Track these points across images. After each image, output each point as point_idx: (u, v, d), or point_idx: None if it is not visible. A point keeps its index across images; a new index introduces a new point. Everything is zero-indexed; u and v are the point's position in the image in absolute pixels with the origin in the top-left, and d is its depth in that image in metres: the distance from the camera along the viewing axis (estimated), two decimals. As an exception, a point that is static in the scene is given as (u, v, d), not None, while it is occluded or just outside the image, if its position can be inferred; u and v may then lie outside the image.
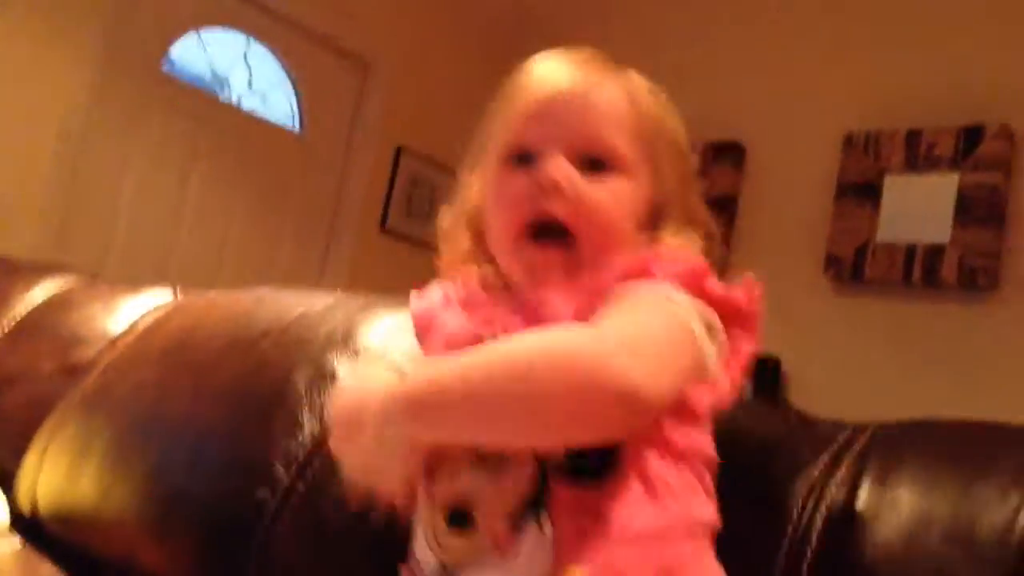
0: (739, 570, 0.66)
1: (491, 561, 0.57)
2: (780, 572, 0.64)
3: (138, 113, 2.95)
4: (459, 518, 0.59)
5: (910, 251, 2.51)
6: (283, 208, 3.36)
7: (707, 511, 0.60)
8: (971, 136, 2.47)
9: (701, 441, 0.61)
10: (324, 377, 0.81)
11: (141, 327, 1.21)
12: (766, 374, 2.67)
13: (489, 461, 0.58)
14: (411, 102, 3.56)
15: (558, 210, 0.64)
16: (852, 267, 2.62)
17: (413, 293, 0.73)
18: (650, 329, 0.56)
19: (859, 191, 2.64)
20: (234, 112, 3.24)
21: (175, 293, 1.41)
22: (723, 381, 0.62)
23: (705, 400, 0.61)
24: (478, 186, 0.73)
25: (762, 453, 0.73)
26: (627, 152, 0.67)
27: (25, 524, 1.11)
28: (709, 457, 0.62)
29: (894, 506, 0.62)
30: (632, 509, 0.56)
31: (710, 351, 0.59)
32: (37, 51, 2.69)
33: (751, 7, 3.07)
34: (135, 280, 2.66)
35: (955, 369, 2.44)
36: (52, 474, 1.06)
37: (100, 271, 2.63)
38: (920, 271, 2.49)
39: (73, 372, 1.28)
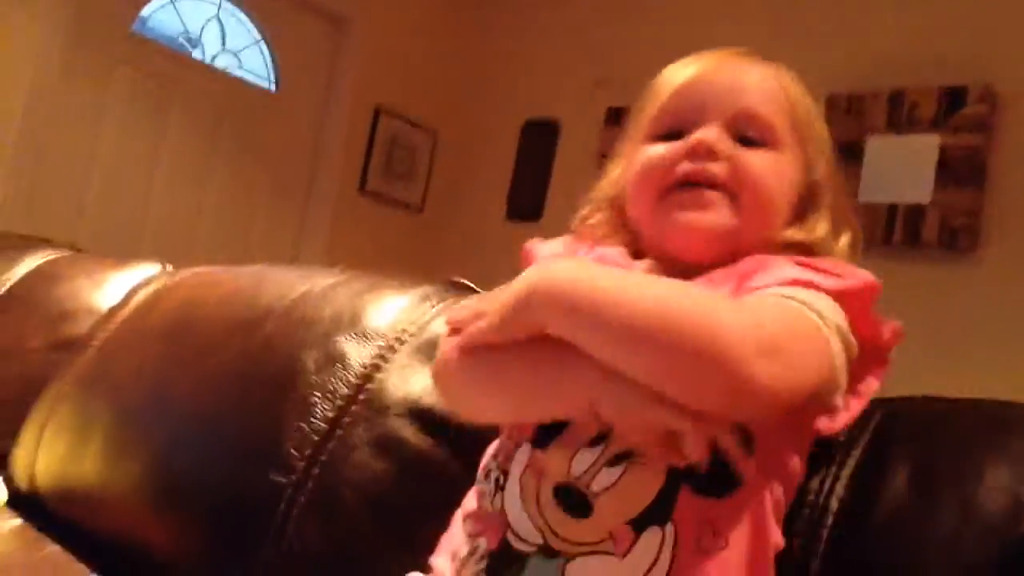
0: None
1: (601, 556, 0.55)
2: (796, 552, 0.65)
3: (109, 73, 2.87)
4: (574, 501, 0.56)
5: (891, 211, 2.54)
6: (259, 169, 3.31)
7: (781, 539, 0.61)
8: (954, 97, 2.48)
9: (803, 466, 0.62)
10: (332, 359, 0.81)
11: (134, 304, 1.19)
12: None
13: (612, 450, 0.56)
14: (389, 62, 3.50)
15: (712, 169, 0.63)
16: (834, 227, 2.64)
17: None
18: (794, 335, 0.54)
19: (842, 151, 2.61)
20: (207, 71, 3.17)
21: (164, 267, 1.39)
22: (845, 409, 0.61)
23: (823, 427, 0.61)
24: (620, 170, 0.70)
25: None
26: (781, 130, 0.66)
27: (22, 501, 1.10)
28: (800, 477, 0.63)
29: (908, 487, 0.63)
30: (742, 533, 0.56)
31: (842, 376, 0.59)
32: (4, 11, 2.60)
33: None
34: (110, 242, 2.63)
35: (936, 328, 2.48)
36: (52, 452, 1.05)
37: (73, 233, 2.59)
38: (902, 231, 2.51)
39: (64, 347, 1.27)
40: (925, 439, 0.67)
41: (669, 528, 0.54)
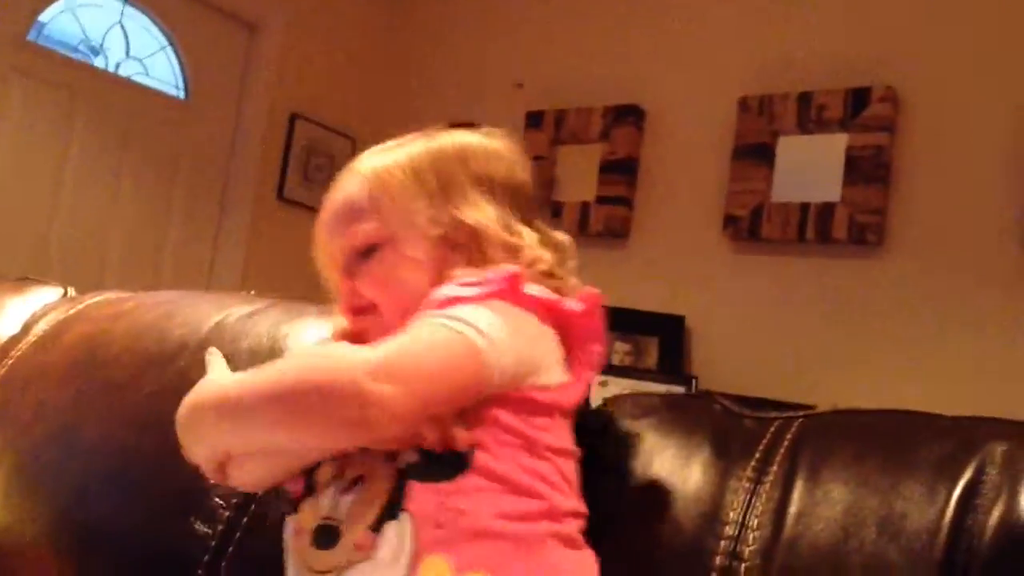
0: (676, 573, 0.67)
1: (356, 565, 0.61)
2: (718, 573, 0.66)
3: (5, 84, 2.73)
4: (325, 536, 0.63)
5: (804, 210, 2.61)
6: (171, 179, 3.20)
7: (565, 501, 0.65)
8: (858, 98, 2.56)
9: (555, 435, 0.67)
10: (252, 396, 0.77)
11: (34, 336, 1.13)
12: (671, 331, 2.74)
13: (349, 480, 0.64)
14: (304, 67, 3.43)
15: (362, 303, 0.74)
16: (750, 226, 2.70)
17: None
18: (413, 349, 0.62)
19: (754, 152, 2.72)
20: (112, 80, 3.04)
21: (66, 292, 1.32)
22: (569, 381, 0.69)
23: (550, 397, 0.67)
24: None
25: (690, 451, 0.74)
26: (380, 230, 0.73)
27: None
28: (566, 450, 0.68)
29: (827, 502, 0.65)
30: (485, 500, 0.61)
31: (531, 351, 0.66)
32: None
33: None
34: (13, 263, 2.50)
35: (847, 320, 2.57)
36: (-53, 500, 0.99)
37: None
38: (813, 229, 2.59)
39: (-41, 383, 1.19)
40: (841, 453, 0.68)
41: (404, 517, 0.61)
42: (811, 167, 2.63)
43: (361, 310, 0.74)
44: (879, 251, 2.54)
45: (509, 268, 0.68)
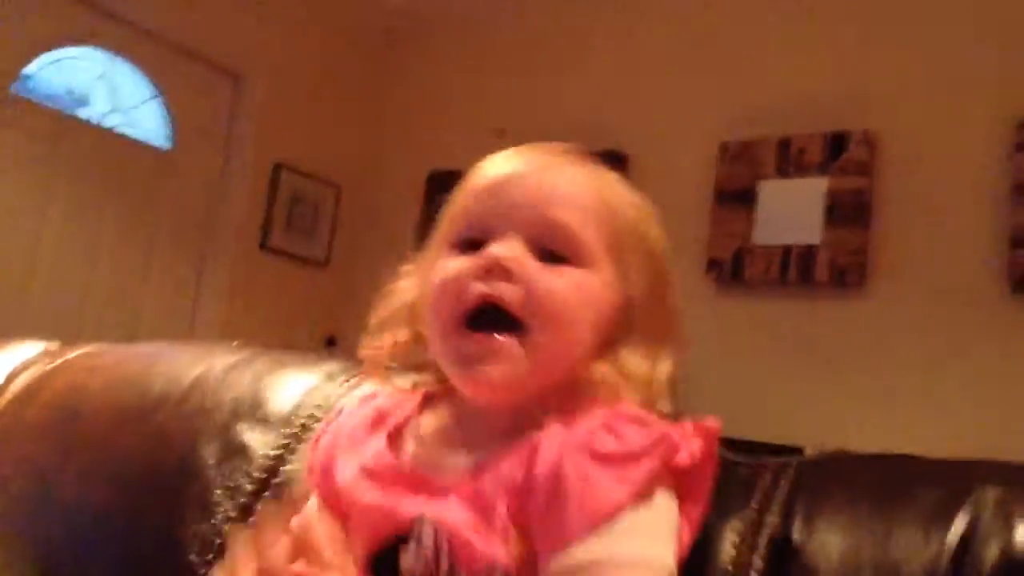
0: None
1: None
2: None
3: (-12, 137, 2.73)
4: None
5: (786, 252, 2.63)
6: (155, 229, 3.19)
7: None
8: (837, 142, 2.61)
9: None
10: (234, 451, 0.76)
11: (13, 390, 1.11)
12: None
13: None
14: (288, 117, 3.45)
15: (506, 294, 0.56)
16: (732, 269, 2.72)
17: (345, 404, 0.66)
18: None
19: (736, 197, 2.74)
20: (96, 131, 3.05)
21: (46, 346, 1.30)
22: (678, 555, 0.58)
23: None
24: (419, 278, 0.63)
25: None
26: (592, 245, 0.59)
27: None
28: None
29: (824, 551, 0.64)
30: None
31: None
32: None
33: (629, 25, 3.14)
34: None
35: (828, 360, 2.58)
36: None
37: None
38: (795, 271, 2.61)
39: (-65, 441, 1.17)
40: (836, 500, 0.68)
41: None
42: (792, 210, 2.65)
43: (489, 315, 0.55)
44: (861, 292, 2.56)
45: (657, 433, 0.56)
